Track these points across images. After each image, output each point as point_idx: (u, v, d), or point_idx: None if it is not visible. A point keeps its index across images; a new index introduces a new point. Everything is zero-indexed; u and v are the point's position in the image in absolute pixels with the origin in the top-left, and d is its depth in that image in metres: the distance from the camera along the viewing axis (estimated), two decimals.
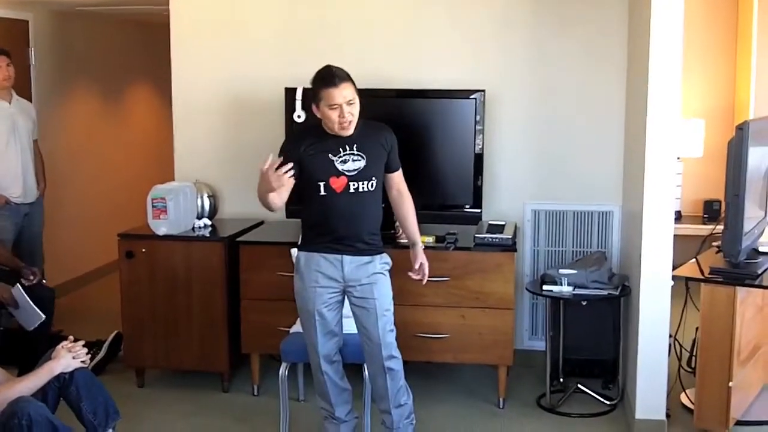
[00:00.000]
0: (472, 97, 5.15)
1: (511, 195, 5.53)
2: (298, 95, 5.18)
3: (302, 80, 5.22)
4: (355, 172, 4.11)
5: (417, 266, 4.32)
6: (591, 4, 5.39)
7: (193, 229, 5.36)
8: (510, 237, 4.93)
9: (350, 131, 4.08)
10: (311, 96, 4.11)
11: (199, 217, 5.44)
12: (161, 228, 5.18)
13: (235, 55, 5.73)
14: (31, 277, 5.41)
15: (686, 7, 4.37)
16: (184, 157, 5.84)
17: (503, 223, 5.12)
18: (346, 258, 4.15)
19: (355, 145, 4.12)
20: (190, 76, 5.79)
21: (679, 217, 6.79)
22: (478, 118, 5.15)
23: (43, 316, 5.19)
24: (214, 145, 5.81)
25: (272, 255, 5.03)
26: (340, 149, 4.11)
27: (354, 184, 4.11)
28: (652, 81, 4.38)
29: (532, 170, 5.53)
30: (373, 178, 4.15)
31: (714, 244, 4.50)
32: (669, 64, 4.37)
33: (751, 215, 4.23)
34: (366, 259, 4.18)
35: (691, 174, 7.07)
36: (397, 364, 4.24)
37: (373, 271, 4.19)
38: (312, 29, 5.62)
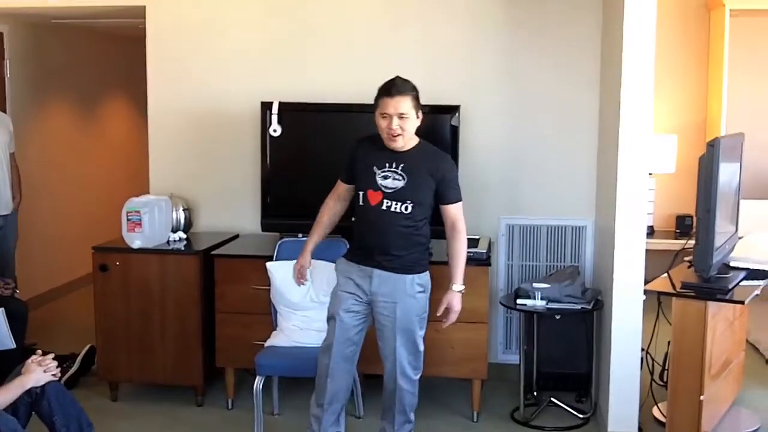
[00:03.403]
0: (447, 113, 5.18)
1: (485, 210, 5.55)
2: (274, 109, 5.20)
3: (278, 94, 5.27)
4: (392, 191, 4.10)
5: (440, 311, 4.22)
6: (564, 20, 5.44)
7: (168, 242, 5.35)
8: (484, 251, 4.96)
9: (399, 144, 4.09)
10: (374, 106, 4.17)
11: (174, 231, 5.43)
12: (136, 241, 5.16)
13: (211, 68, 5.74)
14: (6, 290, 5.38)
15: (658, 24, 4.43)
16: (160, 170, 5.84)
17: (477, 237, 5.15)
18: (375, 272, 4.15)
19: (401, 165, 4.11)
20: (165, 89, 5.79)
21: (651, 232, 6.85)
22: (453, 133, 5.17)
23: (14, 345, 5.11)
24: (189, 158, 5.81)
25: (247, 268, 5.03)
26: (386, 164, 4.12)
27: (388, 202, 4.10)
28: (625, 97, 4.43)
29: (506, 185, 5.56)
30: (409, 202, 4.10)
31: (686, 258, 4.54)
32: (641, 80, 4.42)
33: (723, 230, 4.26)
34: (395, 276, 4.15)
35: (663, 189, 7.14)
36: (408, 384, 4.25)
37: (402, 291, 4.15)
38: (288, 44, 5.63)
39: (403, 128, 4.07)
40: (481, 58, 5.52)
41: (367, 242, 4.19)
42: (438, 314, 4.22)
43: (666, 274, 4.32)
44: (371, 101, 5.26)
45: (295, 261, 4.48)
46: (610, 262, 4.62)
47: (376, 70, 5.49)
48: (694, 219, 4.24)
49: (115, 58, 8.89)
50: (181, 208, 5.51)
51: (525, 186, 5.56)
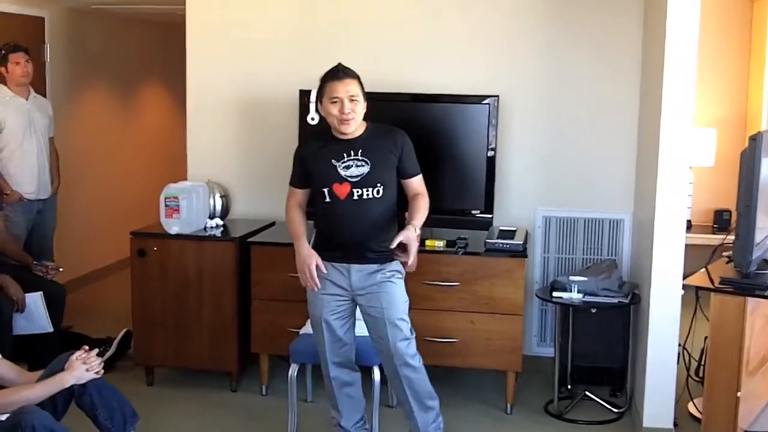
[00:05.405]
0: (485, 102, 5.16)
1: (522, 201, 5.54)
2: (312, 97, 5.18)
3: (317, 82, 5.25)
4: (359, 178, 4.02)
5: (394, 243, 3.92)
6: (605, 11, 5.39)
7: (205, 228, 5.38)
8: (521, 243, 4.94)
9: (351, 128, 4.02)
10: (318, 95, 4.10)
11: (211, 217, 5.46)
12: (173, 227, 5.20)
13: (249, 55, 5.75)
14: (50, 273, 5.49)
15: (701, 16, 4.38)
16: (197, 156, 5.86)
17: (514, 229, 5.13)
18: (353, 267, 4.09)
19: (360, 151, 4.04)
20: (204, 76, 5.81)
21: (689, 226, 6.79)
22: (491, 123, 5.15)
23: (52, 329, 5.20)
24: (227, 145, 5.83)
25: (283, 256, 5.02)
26: (344, 154, 4.04)
27: (358, 191, 4.03)
28: (666, 89, 4.39)
29: (543, 177, 5.54)
30: (379, 185, 4.04)
31: (724, 254, 4.50)
32: (683, 73, 4.37)
33: (763, 226, 4.22)
34: (374, 267, 4.09)
35: (701, 183, 7.08)
36: (412, 372, 4.15)
37: (382, 279, 4.09)
38: (327, 31, 5.64)
39: (355, 111, 3.99)
40: (520, 48, 5.49)
41: (341, 239, 4.09)
42: (392, 246, 3.94)
43: (704, 269, 4.29)
44: (410, 91, 5.30)
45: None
46: (649, 256, 4.58)
47: (414, 60, 5.55)
48: (733, 213, 4.21)
49: (154, 44, 8.95)
50: (218, 195, 5.53)
51: (563, 178, 5.53)
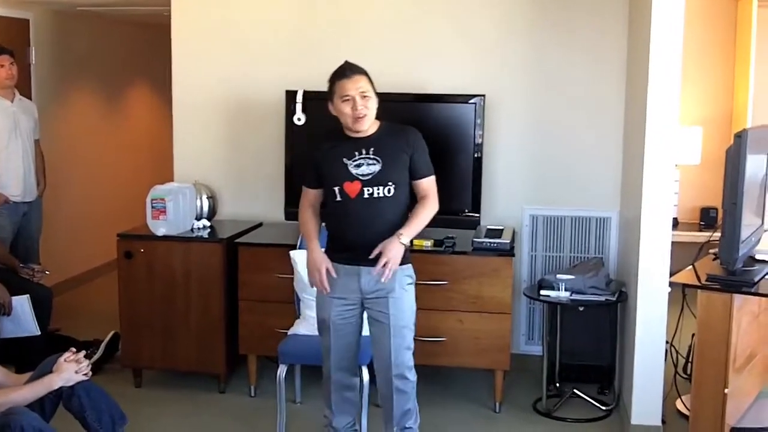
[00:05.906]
0: (471, 101, 5.17)
1: (509, 200, 5.54)
2: (299, 98, 5.20)
3: (303, 83, 5.26)
4: (370, 176, 3.94)
5: (374, 254, 3.88)
6: (591, 10, 5.41)
7: (192, 230, 5.37)
8: (508, 242, 4.95)
9: (365, 125, 3.94)
10: (328, 95, 4.02)
11: (198, 218, 5.45)
12: (160, 228, 5.19)
13: (236, 56, 5.74)
14: (36, 275, 5.47)
15: (686, 15, 4.39)
16: (184, 158, 5.85)
17: (501, 227, 5.13)
18: (363, 269, 3.99)
19: (372, 149, 3.97)
20: (190, 77, 5.80)
21: (675, 224, 6.81)
22: (477, 122, 5.16)
23: (39, 332, 5.18)
24: (213, 146, 5.82)
25: (271, 257, 5.04)
26: (356, 152, 3.97)
27: (368, 189, 3.94)
28: (652, 88, 4.40)
29: (530, 175, 5.55)
30: (390, 184, 3.95)
31: (711, 251, 4.51)
32: (669, 71, 4.39)
33: (748, 223, 4.23)
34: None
35: (688, 181, 7.10)
36: (407, 386, 4.07)
37: (392, 284, 3.98)
38: (313, 32, 5.63)
39: (367, 107, 3.92)
40: (508, 48, 5.49)
41: (351, 239, 3.99)
42: (371, 257, 3.88)
43: (691, 267, 4.29)
44: (396, 90, 5.29)
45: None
46: (635, 254, 4.60)
47: (402, 60, 5.54)
48: (719, 211, 4.21)
49: (140, 46, 8.93)
50: (205, 196, 5.52)
51: (549, 176, 5.53)
